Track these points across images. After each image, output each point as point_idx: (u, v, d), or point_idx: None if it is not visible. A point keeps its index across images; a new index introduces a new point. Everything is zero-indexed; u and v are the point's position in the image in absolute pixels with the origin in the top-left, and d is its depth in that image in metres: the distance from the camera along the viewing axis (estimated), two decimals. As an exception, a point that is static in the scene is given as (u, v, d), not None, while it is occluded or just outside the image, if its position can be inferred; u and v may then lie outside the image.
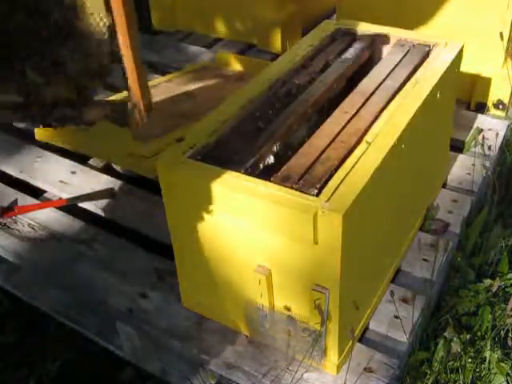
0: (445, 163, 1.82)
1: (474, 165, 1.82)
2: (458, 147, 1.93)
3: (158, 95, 2.12)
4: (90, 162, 1.98)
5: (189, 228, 1.25)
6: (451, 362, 1.39)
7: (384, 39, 1.61)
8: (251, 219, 1.12)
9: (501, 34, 1.94)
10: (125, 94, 2.11)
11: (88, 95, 1.14)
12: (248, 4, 2.52)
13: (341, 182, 1.09)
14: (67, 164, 1.95)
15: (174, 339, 1.37)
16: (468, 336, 1.44)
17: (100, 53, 1.09)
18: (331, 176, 1.12)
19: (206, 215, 1.19)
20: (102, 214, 1.76)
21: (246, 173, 1.15)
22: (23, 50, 1.08)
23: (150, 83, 2.25)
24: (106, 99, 1.19)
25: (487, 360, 1.41)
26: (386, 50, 1.59)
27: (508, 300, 1.49)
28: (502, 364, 1.40)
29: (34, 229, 1.70)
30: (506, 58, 2.02)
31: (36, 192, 1.87)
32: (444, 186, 1.80)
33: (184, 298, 1.42)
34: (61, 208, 1.77)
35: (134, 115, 1.15)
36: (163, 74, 2.39)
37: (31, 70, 1.09)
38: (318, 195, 1.07)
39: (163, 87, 2.19)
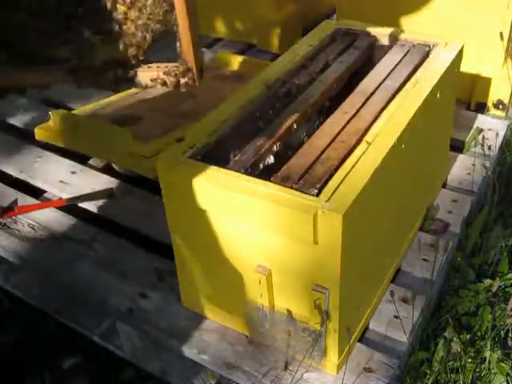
0: (445, 163, 1.82)
1: (474, 165, 1.82)
2: (458, 147, 1.93)
3: (157, 95, 2.12)
4: (90, 162, 1.98)
5: (189, 228, 1.25)
6: (451, 362, 1.39)
7: (384, 39, 1.61)
8: (251, 219, 1.12)
9: (501, 33, 1.94)
10: (132, 90, 2.12)
11: (142, 57, 1.14)
12: (248, 4, 2.52)
13: (341, 182, 1.09)
14: (67, 164, 1.95)
15: (174, 339, 1.37)
16: (468, 336, 1.44)
17: (154, 12, 1.09)
18: (331, 176, 1.12)
19: (205, 215, 1.19)
20: (101, 214, 1.76)
21: (246, 173, 1.15)
22: (78, 8, 1.09)
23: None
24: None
25: (487, 360, 1.41)
26: (386, 49, 1.59)
27: (508, 300, 1.49)
28: (502, 364, 1.40)
29: (34, 229, 1.70)
30: (505, 58, 2.02)
31: (36, 192, 1.87)
32: (444, 186, 1.80)
33: (184, 298, 1.42)
34: (61, 208, 1.77)
35: (187, 79, 1.14)
36: (163, 74, 2.39)
37: (87, 28, 1.09)
38: (318, 195, 1.07)
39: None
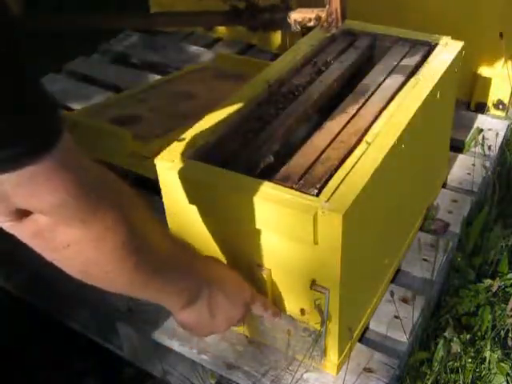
0: (445, 163, 1.82)
1: (474, 165, 1.82)
2: (458, 147, 1.93)
3: (158, 95, 2.12)
4: (90, 161, 1.98)
5: (188, 228, 1.25)
6: (451, 362, 1.39)
7: (384, 39, 1.61)
8: (251, 219, 1.12)
9: (501, 33, 1.94)
10: (133, 90, 2.11)
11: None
12: (248, 4, 2.52)
13: (341, 182, 1.09)
14: (67, 164, 1.94)
15: (174, 339, 1.37)
16: (468, 336, 1.44)
17: None
18: (331, 176, 1.12)
19: (205, 215, 1.19)
20: (102, 213, 1.75)
21: (246, 173, 1.15)
22: None
23: (150, 83, 2.26)
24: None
25: (487, 360, 1.41)
26: (385, 49, 1.59)
27: (508, 300, 1.49)
28: (502, 364, 1.40)
29: (34, 229, 1.69)
30: (506, 58, 2.02)
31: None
32: (444, 186, 1.79)
33: (184, 298, 1.42)
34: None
35: (331, 21, 1.19)
36: (163, 74, 2.39)
37: None
38: (318, 195, 1.07)
39: (163, 87, 2.19)
